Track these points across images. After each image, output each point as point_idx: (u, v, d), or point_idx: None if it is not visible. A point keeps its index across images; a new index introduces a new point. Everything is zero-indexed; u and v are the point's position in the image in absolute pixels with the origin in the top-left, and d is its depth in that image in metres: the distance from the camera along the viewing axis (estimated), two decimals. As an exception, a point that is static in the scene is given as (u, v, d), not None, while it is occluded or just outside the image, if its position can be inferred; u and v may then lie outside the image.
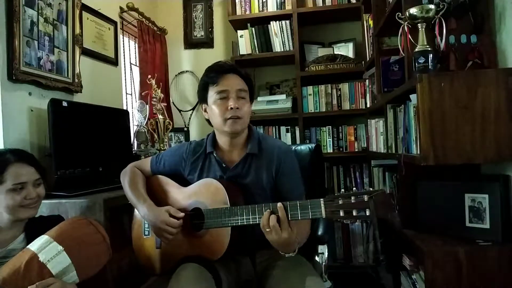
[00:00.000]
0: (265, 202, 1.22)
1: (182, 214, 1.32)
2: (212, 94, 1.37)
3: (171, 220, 1.30)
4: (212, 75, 1.37)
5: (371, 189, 1.13)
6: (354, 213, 1.08)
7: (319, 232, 1.59)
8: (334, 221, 2.69)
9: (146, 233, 1.45)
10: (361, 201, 1.07)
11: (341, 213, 1.09)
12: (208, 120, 1.43)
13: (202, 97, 1.42)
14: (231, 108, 1.32)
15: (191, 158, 1.43)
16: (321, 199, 1.12)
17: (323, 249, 1.65)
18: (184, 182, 1.44)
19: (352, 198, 1.09)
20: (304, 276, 1.22)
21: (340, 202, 1.10)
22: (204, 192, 1.34)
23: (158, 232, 1.33)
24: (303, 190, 1.39)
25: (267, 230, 1.15)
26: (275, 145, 1.41)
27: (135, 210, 1.49)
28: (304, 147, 1.70)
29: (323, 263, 1.64)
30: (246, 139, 1.42)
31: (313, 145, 1.74)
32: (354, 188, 1.18)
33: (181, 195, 1.41)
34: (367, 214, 1.07)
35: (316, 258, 1.64)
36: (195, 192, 1.37)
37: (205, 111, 1.43)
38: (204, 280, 1.20)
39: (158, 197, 1.43)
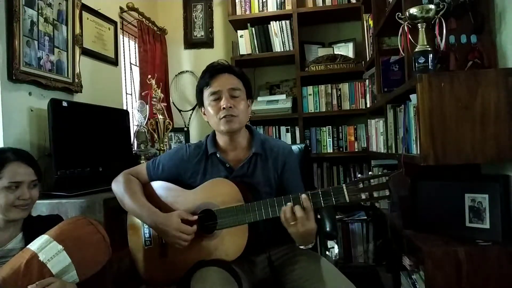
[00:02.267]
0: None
1: (195, 217, 1.29)
2: (206, 96, 1.38)
3: (186, 226, 1.27)
4: (205, 77, 1.39)
5: (387, 171, 1.19)
6: (375, 195, 1.16)
7: (327, 229, 1.63)
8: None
9: (148, 243, 1.39)
10: (380, 182, 1.15)
11: (363, 196, 1.16)
12: (209, 123, 1.43)
13: (199, 101, 1.44)
14: (224, 108, 1.33)
15: (193, 161, 1.42)
16: (343, 184, 1.18)
17: (332, 244, 1.68)
18: (183, 186, 1.41)
19: (372, 180, 1.16)
20: (330, 272, 1.25)
21: (361, 185, 1.16)
22: (214, 193, 1.32)
23: (171, 240, 1.28)
24: (303, 187, 1.41)
25: (292, 223, 1.16)
26: (278, 145, 1.44)
27: (129, 220, 1.44)
28: (294, 147, 1.74)
29: (334, 258, 1.67)
30: (248, 139, 1.43)
31: (302, 145, 1.83)
32: (370, 172, 1.27)
33: (187, 199, 1.37)
34: (387, 194, 1.15)
35: (327, 253, 1.66)
36: (203, 193, 1.34)
37: (204, 114, 1.44)
38: (228, 283, 1.18)
39: (162, 204, 1.38)
